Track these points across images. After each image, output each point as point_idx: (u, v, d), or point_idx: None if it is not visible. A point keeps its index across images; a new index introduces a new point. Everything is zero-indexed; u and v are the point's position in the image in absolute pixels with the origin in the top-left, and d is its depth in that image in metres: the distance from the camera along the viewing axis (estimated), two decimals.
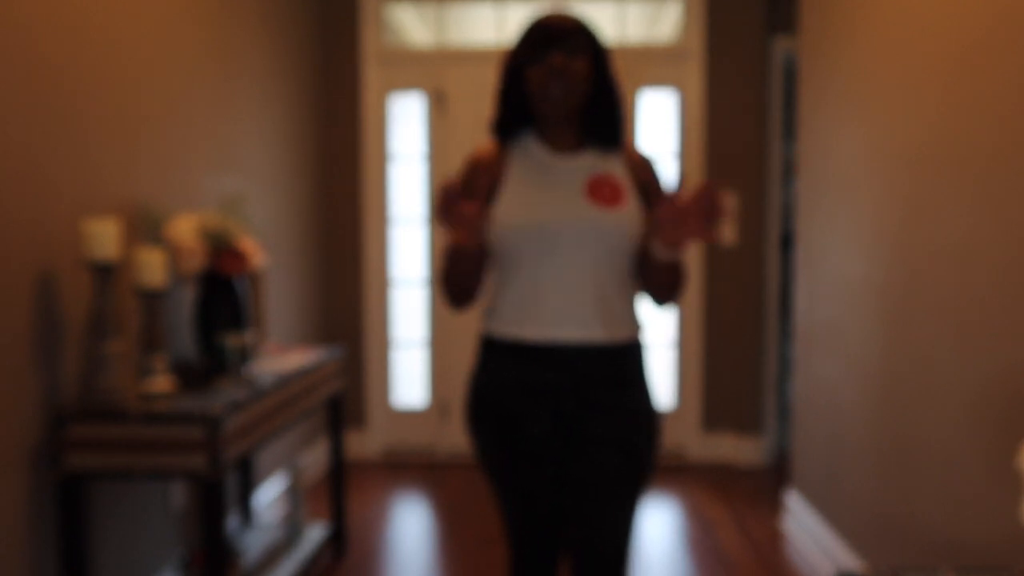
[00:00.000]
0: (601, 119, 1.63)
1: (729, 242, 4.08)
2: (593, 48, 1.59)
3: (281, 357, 2.65)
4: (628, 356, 1.62)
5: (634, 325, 1.64)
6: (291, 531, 2.82)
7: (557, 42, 1.55)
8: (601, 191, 1.58)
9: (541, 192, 1.58)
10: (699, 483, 3.85)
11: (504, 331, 1.61)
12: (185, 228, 2.23)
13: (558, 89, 1.56)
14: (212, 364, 2.25)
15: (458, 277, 1.59)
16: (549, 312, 1.57)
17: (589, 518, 1.59)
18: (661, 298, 1.65)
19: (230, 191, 2.90)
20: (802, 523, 3.08)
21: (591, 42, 1.59)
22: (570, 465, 1.61)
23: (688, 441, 4.18)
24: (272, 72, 3.43)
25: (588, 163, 1.62)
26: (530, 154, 1.64)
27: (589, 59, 1.58)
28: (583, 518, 1.60)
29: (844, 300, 2.74)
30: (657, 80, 4.10)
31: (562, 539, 1.66)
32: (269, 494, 3.28)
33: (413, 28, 4.39)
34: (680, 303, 1.47)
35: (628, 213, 1.58)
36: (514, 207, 1.58)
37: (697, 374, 4.16)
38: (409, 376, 4.32)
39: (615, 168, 1.63)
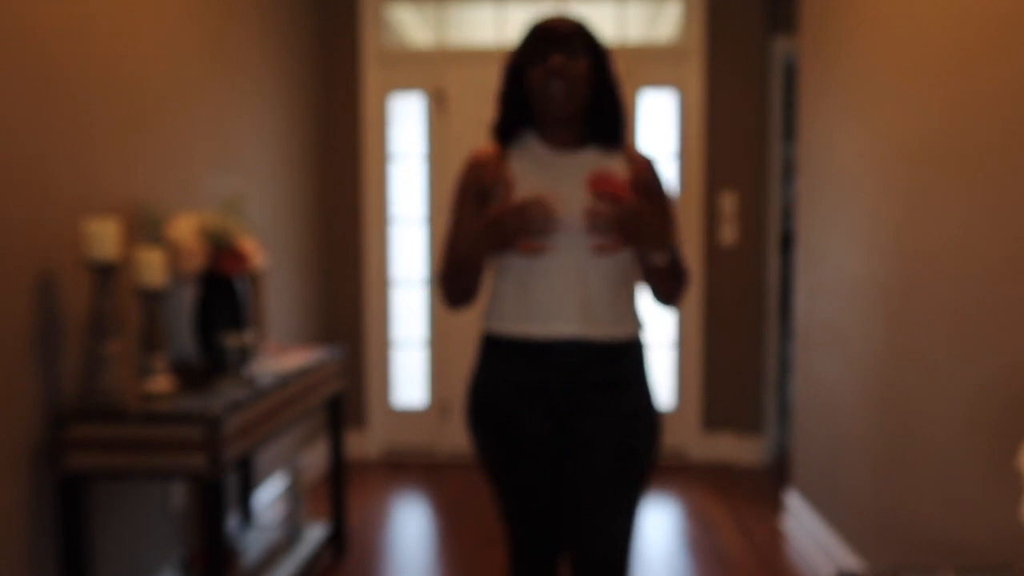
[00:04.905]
0: (602, 120, 1.64)
1: (729, 242, 4.08)
2: (593, 50, 1.60)
3: (281, 357, 2.65)
4: (626, 356, 1.62)
5: (634, 324, 1.64)
6: (291, 531, 2.82)
7: (557, 44, 1.57)
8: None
9: (542, 189, 1.59)
10: (699, 483, 3.85)
11: (502, 328, 1.61)
12: (185, 228, 2.23)
13: (558, 89, 1.56)
14: (212, 364, 2.25)
15: (466, 276, 1.60)
16: (546, 309, 1.57)
17: (585, 523, 1.59)
18: (663, 298, 1.66)
19: (230, 191, 2.90)
20: (802, 523, 3.08)
21: (591, 44, 1.60)
22: (567, 466, 1.61)
23: (688, 441, 4.18)
24: (272, 72, 3.43)
25: (589, 160, 1.63)
26: (531, 152, 1.64)
27: (589, 61, 1.59)
28: (579, 523, 1.59)
29: (844, 300, 2.74)
30: (657, 80, 4.10)
31: (562, 541, 1.65)
32: (269, 494, 3.28)
33: (413, 28, 4.39)
34: (681, 303, 1.48)
35: None
36: None
37: (697, 374, 4.16)
38: (409, 376, 4.32)
39: (616, 167, 1.64)
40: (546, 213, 1.47)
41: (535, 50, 1.58)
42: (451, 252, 1.63)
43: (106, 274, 1.96)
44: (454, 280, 1.62)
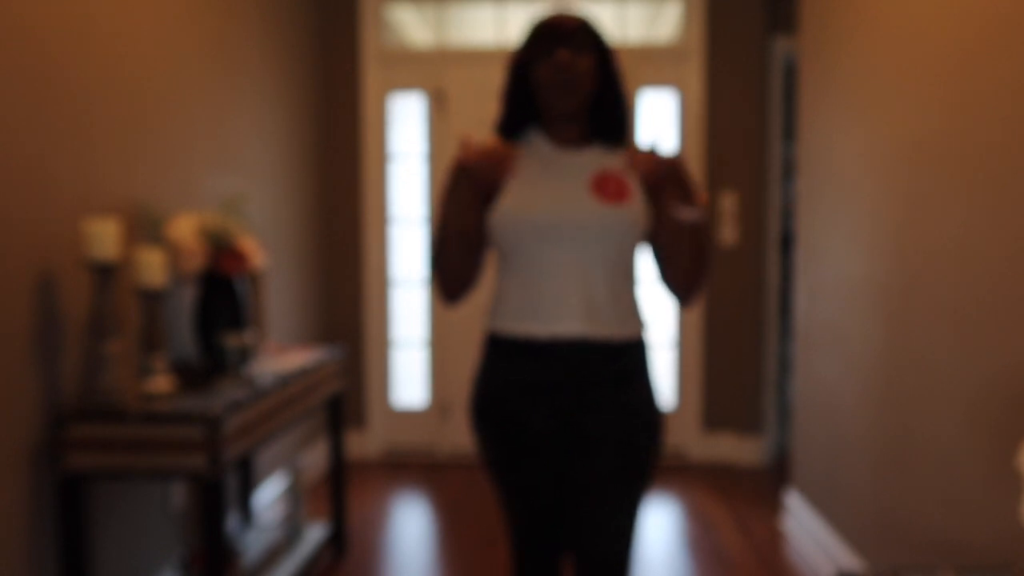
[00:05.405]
0: (606, 116, 1.64)
1: (729, 242, 4.08)
2: (598, 46, 1.60)
3: (281, 357, 2.65)
4: (629, 354, 1.62)
5: (637, 324, 1.63)
6: (291, 531, 2.82)
7: (563, 40, 1.56)
8: (606, 186, 1.58)
9: (546, 186, 1.58)
10: (699, 483, 3.85)
11: (505, 327, 1.61)
12: (185, 228, 2.23)
13: (563, 85, 1.56)
14: (212, 364, 2.25)
15: (453, 254, 1.59)
16: (549, 309, 1.57)
17: (586, 521, 1.59)
18: (682, 282, 1.61)
19: (230, 191, 2.90)
20: (802, 523, 3.08)
21: (596, 40, 1.60)
22: (570, 464, 1.61)
23: (688, 441, 4.18)
24: (272, 72, 3.43)
25: (593, 158, 1.63)
26: (535, 149, 1.64)
27: (594, 57, 1.59)
28: (582, 521, 1.60)
29: (844, 300, 2.74)
30: (657, 80, 4.10)
31: (564, 540, 1.66)
32: (269, 494, 3.28)
33: (413, 28, 4.39)
34: (699, 296, 1.45)
35: (633, 209, 1.58)
36: (518, 200, 1.57)
37: (697, 374, 4.16)
38: (409, 376, 4.32)
39: (620, 165, 1.63)
40: (500, 160, 1.53)
41: (540, 46, 1.57)
42: (439, 229, 1.62)
43: (106, 274, 1.96)
44: (443, 259, 1.60)
